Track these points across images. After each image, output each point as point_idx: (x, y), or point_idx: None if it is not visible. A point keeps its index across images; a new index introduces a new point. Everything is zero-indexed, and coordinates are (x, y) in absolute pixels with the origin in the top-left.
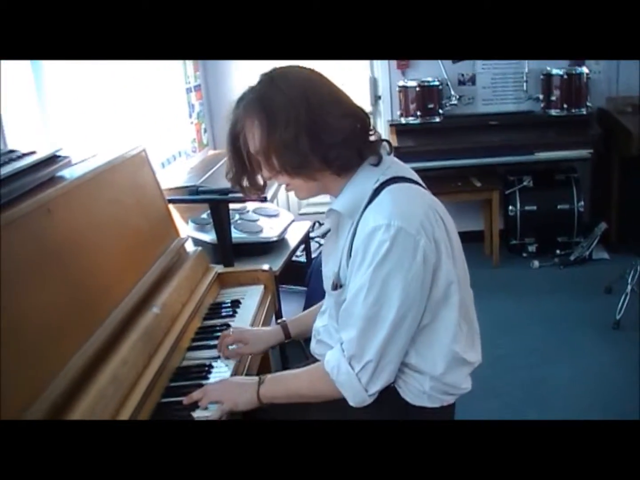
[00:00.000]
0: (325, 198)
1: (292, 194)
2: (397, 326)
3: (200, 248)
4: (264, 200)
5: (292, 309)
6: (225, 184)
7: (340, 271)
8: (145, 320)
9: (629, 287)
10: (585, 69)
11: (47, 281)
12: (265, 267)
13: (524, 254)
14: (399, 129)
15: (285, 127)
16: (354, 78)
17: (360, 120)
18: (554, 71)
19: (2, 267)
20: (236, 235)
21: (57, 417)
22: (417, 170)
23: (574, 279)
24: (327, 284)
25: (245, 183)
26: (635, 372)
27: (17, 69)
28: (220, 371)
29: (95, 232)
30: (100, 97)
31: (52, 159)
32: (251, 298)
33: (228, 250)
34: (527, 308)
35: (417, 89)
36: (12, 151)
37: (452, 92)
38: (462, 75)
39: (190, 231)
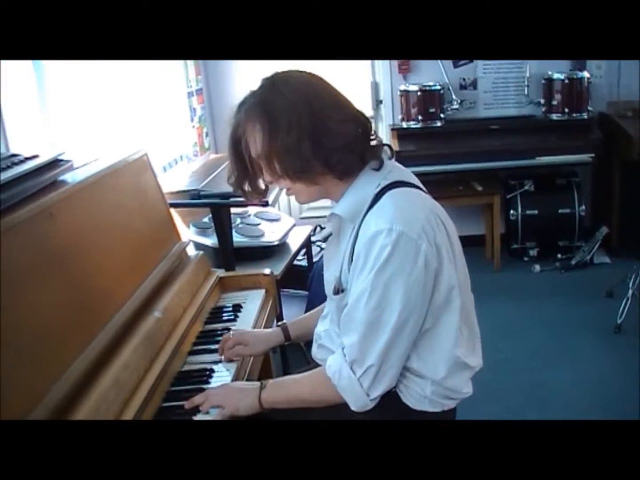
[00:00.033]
0: (326, 202)
1: (293, 198)
2: (399, 331)
3: (201, 252)
4: (266, 204)
5: (293, 313)
6: (227, 188)
7: (341, 276)
8: (147, 325)
9: (630, 291)
10: (586, 74)
11: (49, 285)
12: (267, 271)
13: (525, 258)
14: (401, 133)
15: (287, 131)
16: (356, 82)
17: (361, 124)
18: (555, 75)
19: (5, 271)
20: (237, 239)
21: None
22: (419, 175)
23: (575, 283)
24: (329, 288)
25: (247, 187)
26: (636, 377)
27: (19, 70)
28: (222, 375)
29: (97, 236)
30: (102, 100)
31: (55, 163)
32: (252, 302)
33: (229, 255)
34: (528, 312)
35: (419, 93)
36: (14, 155)
37: (454, 97)
38: (464, 79)
39: (191, 235)
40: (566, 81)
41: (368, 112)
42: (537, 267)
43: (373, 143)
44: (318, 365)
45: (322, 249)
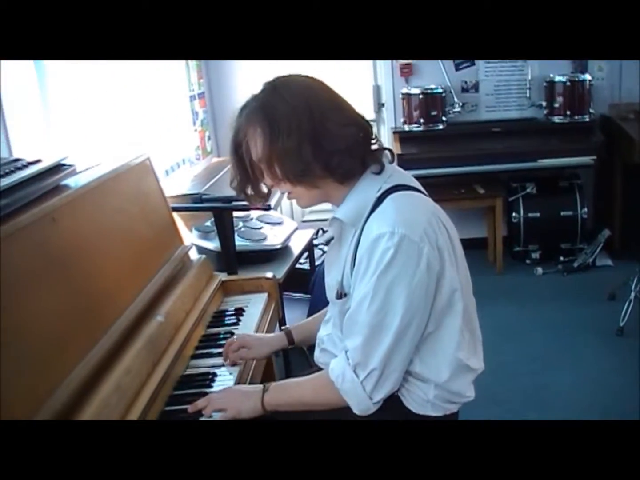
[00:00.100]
0: (328, 205)
1: (295, 202)
2: (402, 334)
3: (204, 256)
4: (268, 208)
5: (295, 317)
6: (229, 191)
7: (343, 280)
8: (149, 329)
9: (633, 293)
10: (588, 76)
11: (52, 290)
12: (269, 274)
13: (528, 261)
14: (403, 136)
15: (288, 135)
16: (358, 85)
17: (362, 128)
18: (557, 78)
19: (7, 275)
20: (240, 243)
21: None
22: (421, 178)
23: (578, 286)
24: (331, 293)
25: (249, 191)
26: (637, 379)
27: (21, 70)
28: (224, 379)
29: (99, 241)
30: (105, 104)
31: (57, 168)
32: (255, 306)
33: (232, 258)
34: (530, 315)
35: (421, 96)
36: (17, 160)
37: (456, 99)
38: (465, 82)
39: (194, 239)
40: (568, 83)
41: (370, 115)
42: (540, 270)
43: (374, 147)
44: (321, 369)
45: (324, 252)
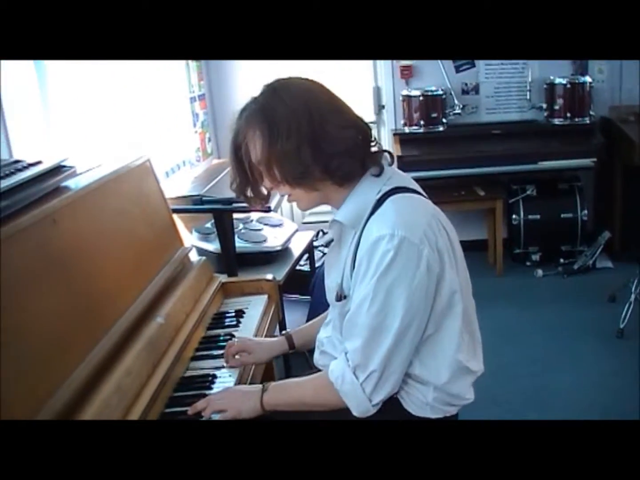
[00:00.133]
0: (328, 207)
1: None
2: (402, 335)
3: (204, 257)
4: (268, 210)
5: (296, 319)
6: (230, 193)
7: (343, 282)
8: (150, 330)
9: (633, 295)
10: (588, 78)
11: (52, 291)
12: (269, 276)
13: (528, 263)
14: (403, 138)
15: (287, 137)
16: (358, 87)
17: (361, 131)
18: (557, 80)
19: (8, 277)
20: (240, 244)
21: None
22: (421, 180)
23: (578, 288)
24: (330, 295)
25: (249, 193)
26: (637, 381)
27: (21, 70)
28: (224, 381)
29: (100, 242)
30: (105, 106)
31: (58, 169)
32: (255, 308)
33: (232, 260)
34: (530, 317)
35: (421, 98)
36: (17, 161)
37: (456, 101)
38: (466, 84)
39: (194, 240)
40: (568, 86)
41: (370, 117)
42: (540, 272)
43: (373, 149)
44: (320, 371)
45: (324, 254)
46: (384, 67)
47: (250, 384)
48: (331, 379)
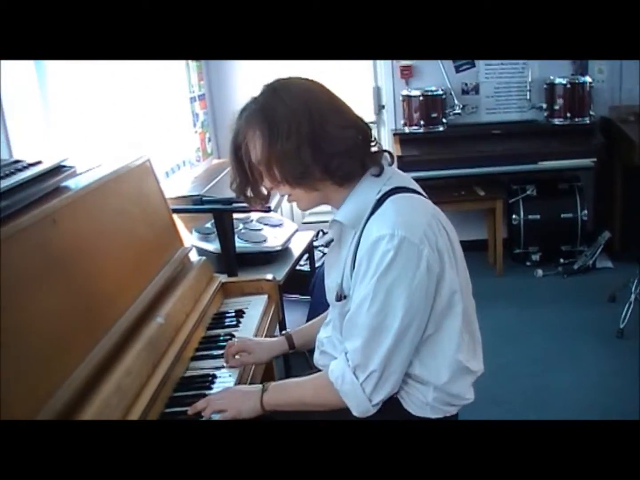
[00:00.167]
0: (328, 207)
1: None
2: (402, 335)
3: (204, 257)
4: (268, 210)
5: (296, 319)
6: (229, 193)
7: (343, 282)
8: (149, 330)
9: (633, 295)
10: (588, 78)
11: (52, 291)
12: (269, 276)
13: (528, 263)
14: (403, 138)
15: (287, 137)
16: (358, 87)
17: (361, 131)
18: (557, 80)
19: (8, 277)
20: (240, 244)
21: None
22: (421, 180)
23: (578, 288)
24: (330, 295)
25: (249, 193)
26: (638, 381)
27: (21, 70)
28: (224, 381)
29: (100, 242)
30: (105, 106)
31: (58, 169)
32: (255, 308)
33: (232, 260)
34: (530, 317)
35: (421, 98)
36: (17, 161)
37: (456, 101)
38: (466, 84)
39: (194, 240)
40: (568, 86)
41: (370, 117)
42: (540, 272)
43: (373, 149)
44: (320, 371)
45: (324, 254)
46: (384, 67)
47: (250, 384)
48: (331, 379)
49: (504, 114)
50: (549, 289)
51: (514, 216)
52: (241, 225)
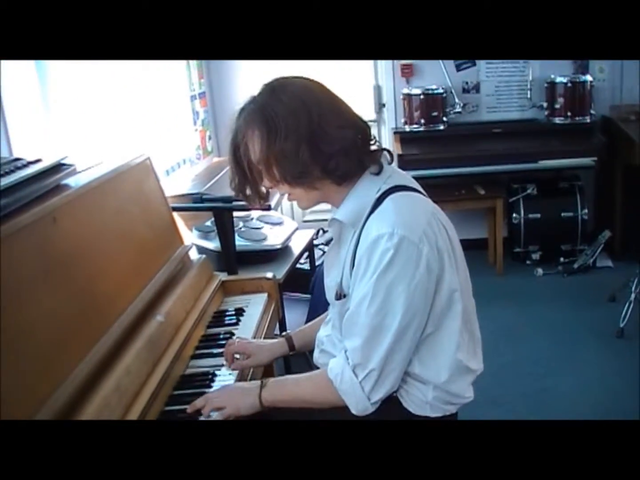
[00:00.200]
0: (329, 205)
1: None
2: (401, 334)
3: (204, 256)
4: (268, 208)
5: (296, 317)
6: (230, 191)
7: (343, 281)
8: (149, 329)
9: (633, 295)
10: (589, 77)
11: (52, 289)
12: (269, 275)
13: (528, 262)
14: (403, 137)
15: (285, 137)
16: (358, 85)
17: (360, 130)
18: (558, 79)
19: (8, 275)
20: (240, 243)
21: None
22: (421, 178)
23: (578, 287)
24: (330, 294)
25: (248, 192)
26: (638, 381)
27: (22, 70)
28: (224, 379)
29: (99, 240)
30: (105, 103)
31: (58, 167)
32: (255, 306)
33: (232, 258)
34: (530, 316)
35: (421, 96)
36: (17, 159)
37: (456, 100)
38: (466, 83)
39: (194, 239)
40: (569, 85)
41: (371, 115)
42: (540, 271)
43: (373, 148)
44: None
45: (324, 252)
46: (385, 66)
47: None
48: (330, 377)
49: (505, 112)
50: (549, 288)
51: (514, 215)
52: (241, 224)
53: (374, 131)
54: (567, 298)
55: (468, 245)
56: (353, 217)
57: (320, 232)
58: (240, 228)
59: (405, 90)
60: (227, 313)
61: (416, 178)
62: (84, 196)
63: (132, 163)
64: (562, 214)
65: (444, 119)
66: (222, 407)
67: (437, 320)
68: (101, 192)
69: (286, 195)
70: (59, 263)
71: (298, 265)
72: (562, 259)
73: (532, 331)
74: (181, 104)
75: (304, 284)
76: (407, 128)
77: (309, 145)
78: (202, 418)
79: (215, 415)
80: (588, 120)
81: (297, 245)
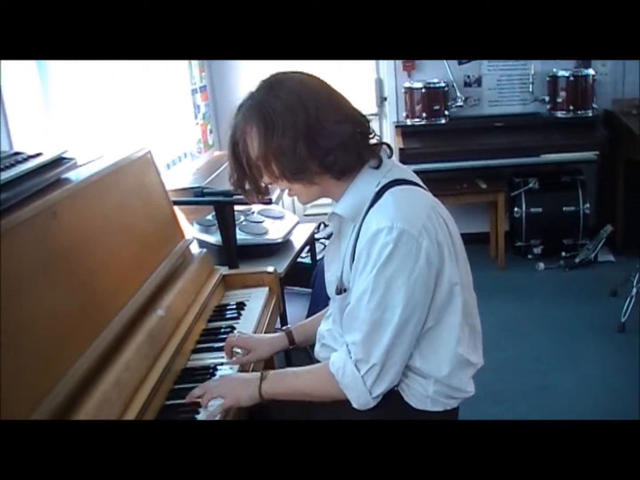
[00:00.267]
0: (330, 199)
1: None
2: (402, 328)
3: (205, 250)
4: (269, 202)
5: (297, 311)
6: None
7: (343, 275)
8: (150, 323)
9: (634, 289)
10: (591, 71)
11: (52, 284)
12: (270, 269)
13: (529, 256)
14: (405, 131)
15: (283, 133)
16: (360, 79)
17: (359, 124)
18: (560, 73)
19: (8, 269)
20: (241, 237)
21: None
22: (423, 172)
23: (579, 282)
24: (331, 289)
25: (247, 187)
26: (638, 376)
27: (23, 69)
28: (225, 373)
29: (100, 234)
30: (106, 98)
31: (58, 161)
32: (256, 300)
33: (233, 252)
34: (531, 310)
35: (423, 90)
36: (18, 153)
37: (458, 94)
38: (468, 76)
39: (195, 233)
40: (571, 78)
41: (372, 109)
42: (541, 265)
43: (372, 142)
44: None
45: (325, 246)
46: (386, 60)
47: None
48: (332, 371)
49: (507, 106)
50: (551, 283)
51: (516, 209)
52: (242, 218)
53: (375, 125)
54: (569, 292)
55: (469, 239)
56: (353, 211)
57: (322, 226)
58: (241, 222)
59: (407, 84)
60: (228, 307)
61: (417, 172)
62: (84, 190)
63: (132, 157)
64: (564, 208)
65: (446, 112)
66: (221, 396)
67: (437, 314)
68: (102, 186)
69: (286, 191)
70: (59, 257)
71: (299, 259)
72: (563, 254)
73: (533, 325)
74: (182, 97)
75: (305, 278)
76: (409, 122)
77: (306, 140)
78: (200, 408)
79: (215, 407)
80: (590, 114)
81: (298, 239)
